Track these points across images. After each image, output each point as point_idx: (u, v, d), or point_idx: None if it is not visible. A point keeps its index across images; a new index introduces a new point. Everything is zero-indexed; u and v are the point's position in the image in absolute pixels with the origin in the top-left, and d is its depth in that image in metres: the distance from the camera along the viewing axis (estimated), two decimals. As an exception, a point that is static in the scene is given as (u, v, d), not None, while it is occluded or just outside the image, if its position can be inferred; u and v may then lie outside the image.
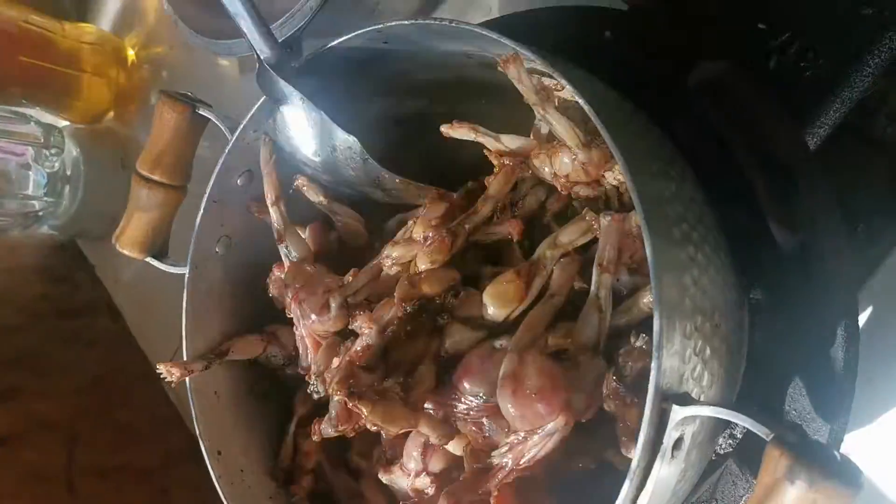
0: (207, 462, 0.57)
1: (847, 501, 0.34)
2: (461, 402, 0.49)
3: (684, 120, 0.52)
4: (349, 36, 0.51)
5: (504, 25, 0.64)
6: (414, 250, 0.54)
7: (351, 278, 0.56)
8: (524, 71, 0.48)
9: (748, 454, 0.53)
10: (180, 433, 0.98)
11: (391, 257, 0.55)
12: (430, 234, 0.53)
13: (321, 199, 0.60)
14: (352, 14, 0.76)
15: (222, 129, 0.58)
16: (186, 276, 0.60)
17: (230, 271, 0.63)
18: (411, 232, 0.55)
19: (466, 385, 0.49)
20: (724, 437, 0.55)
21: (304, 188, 0.60)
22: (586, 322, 0.46)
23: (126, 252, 0.63)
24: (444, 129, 0.56)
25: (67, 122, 1.12)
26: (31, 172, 1.06)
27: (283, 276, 0.58)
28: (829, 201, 0.49)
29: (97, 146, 1.09)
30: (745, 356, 0.53)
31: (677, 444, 0.39)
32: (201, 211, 0.59)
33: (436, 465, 0.53)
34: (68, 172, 1.08)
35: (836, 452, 0.36)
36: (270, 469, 0.62)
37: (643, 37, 0.56)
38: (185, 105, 0.59)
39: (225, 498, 0.56)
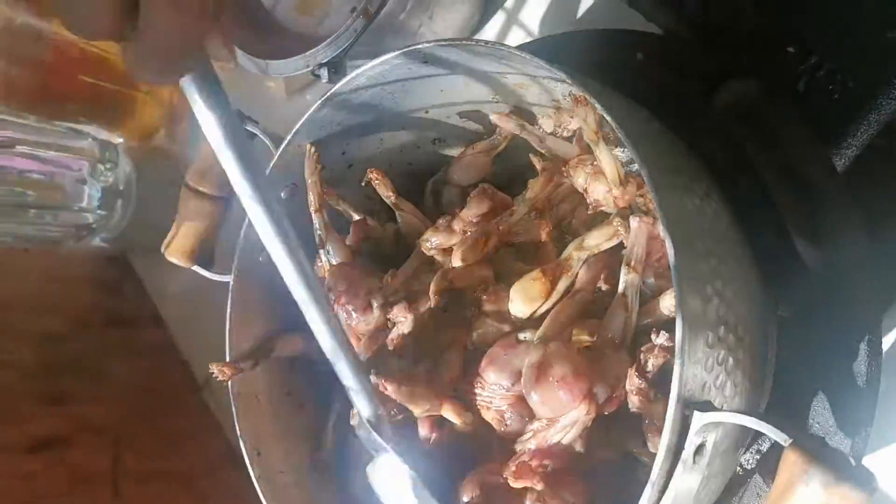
0: (247, 461, 0.60)
1: (861, 504, 0.35)
2: (484, 391, 0.51)
3: (712, 139, 0.53)
4: (393, 54, 0.53)
5: (541, 47, 0.66)
6: (452, 239, 0.57)
7: (389, 279, 0.58)
8: (591, 111, 0.50)
9: (774, 469, 0.54)
10: (221, 441, 1.01)
11: (430, 241, 0.58)
12: (469, 230, 0.55)
13: (390, 194, 0.63)
14: (395, 38, 0.79)
15: (267, 143, 0.61)
16: (231, 283, 0.63)
17: (273, 279, 0.65)
18: (452, 222, 0.58)
19: (491, 375, 0.51)
20: (752, 453, 0.55)
21: (376, 182, 0.63)
22: (612, 319, 0.49)
23: (174, 260, 0.65)
24: (494, 117, 0.60)
25: (122, 140, 1.17)
26: (86, 187, 1.11)
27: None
28: (854, 218, 0.50)
29: (149, 163, 1.13)
30: (773, 370, 0.54)
31: (699, 450, 0.41)
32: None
33: None
34: (121, 187, 1.12)
35: (850, 458, 0.37)
36: (313, 458, 0.65)
37: (674, 59, 0.58)
38: (234, 120, 0.62)
39: (264, 497, 0.58)
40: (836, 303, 0.51)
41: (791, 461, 0.36)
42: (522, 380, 0.48)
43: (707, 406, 0.40)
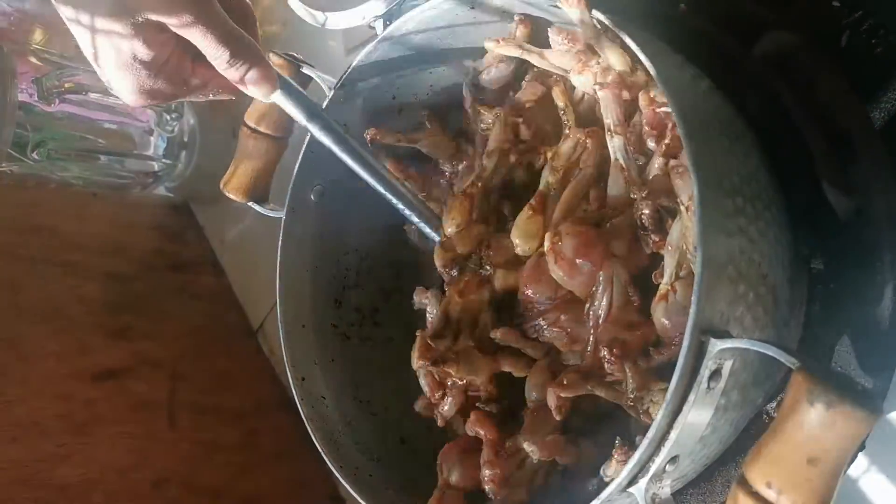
0: (292, 385, 0.63)
1: (864, 425, 0.36)
2: (534, 313, 0.54)
3: (749, 88, 0.54)
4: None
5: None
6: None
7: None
8: (585, 10, 0.51)
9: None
10: (271, 384, 1.06)
11: (485, 122, 0.63)
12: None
13: (398, 136, 0.66)
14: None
15: (322, 85, 0.64)
16: (283, 219, 0.67)
17: (321, 218, 0.69)
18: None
19: (530, 292, 0.53)
20: (778, 401, 0.57)
21: (379, 137, 0.66)
22: (613, 183, 0.52)
23: (232, 196, 0.69)
24: (490, 44, 0.61)
25: (187, 92, 1.21)
26: (152, 137, 1.16)
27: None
28: (885, 169, 0.51)
29: (212, 115, 1.17)
30: (803, 316, 0.55)
31: (714, 375, 0.42)
32: (299, 160, 0.65)
33: None
34: (185, 138, 1.17)
35: (858, 381, 0.38)
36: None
37: (717, 10, 0.58)
38: (291, 63, 0.65)
39: (305, 418, 0.62)
40: (865, 252, 0.52)
41: (798, 383, 0.37)
42: (549, 267, 0.51)
43: (724, 334, 0.42)
